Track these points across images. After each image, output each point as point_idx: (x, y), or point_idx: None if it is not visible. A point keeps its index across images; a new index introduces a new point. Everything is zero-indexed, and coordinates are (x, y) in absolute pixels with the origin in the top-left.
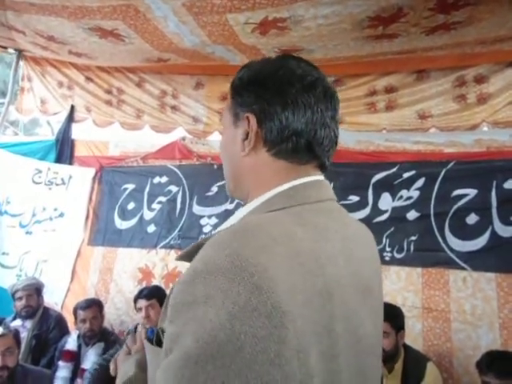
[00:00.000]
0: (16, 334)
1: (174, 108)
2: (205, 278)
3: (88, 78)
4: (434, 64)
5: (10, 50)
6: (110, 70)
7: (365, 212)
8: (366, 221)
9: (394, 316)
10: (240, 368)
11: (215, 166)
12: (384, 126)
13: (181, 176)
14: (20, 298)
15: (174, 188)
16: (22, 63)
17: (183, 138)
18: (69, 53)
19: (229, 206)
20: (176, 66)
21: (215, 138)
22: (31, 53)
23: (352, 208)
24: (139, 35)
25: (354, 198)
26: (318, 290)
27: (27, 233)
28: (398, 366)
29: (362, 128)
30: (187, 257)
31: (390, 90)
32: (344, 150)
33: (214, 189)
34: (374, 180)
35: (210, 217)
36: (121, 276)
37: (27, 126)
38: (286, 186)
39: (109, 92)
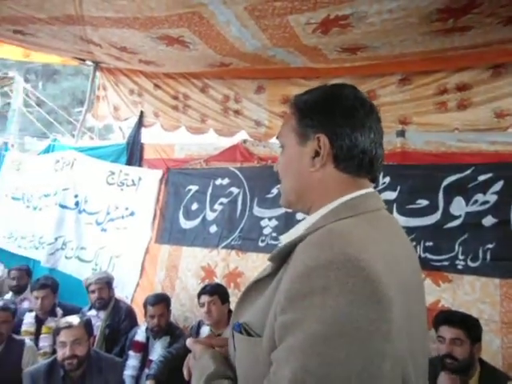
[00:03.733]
0: (87, 324)
1: (236, 112)
2: (320, 272)
3: (156, 85)
4: None
5: (88, 63)
6: (176, 76)
7: (435, 217)
8: (436, 226)
9: (469, 325)
10: (359, 344)
11: (275, 169)
12: (456, 125)
13: (242, 178)
14: (93, 291)
15: (235, 190)
16: (98, 74)
17: (244, 141)
18: (139, 61)
19: (289, 209)
20: (238, 71)
21: (276, 140)
22: (106, 64)
23: (420, 213)
24: (203, 41)
25: (423, 202)
26: (399, 283)
27: (102, 230)
28: (474, 381)
29: (431, 128)
30: (278, 258)
31: (462, 87)
32: (412, 152)
33: (274, 191)
34: (445, 183)
35: (270, 219)
36: (185, 274)
37: (102, 131)
38: (349, 196)
39: (175, 98)
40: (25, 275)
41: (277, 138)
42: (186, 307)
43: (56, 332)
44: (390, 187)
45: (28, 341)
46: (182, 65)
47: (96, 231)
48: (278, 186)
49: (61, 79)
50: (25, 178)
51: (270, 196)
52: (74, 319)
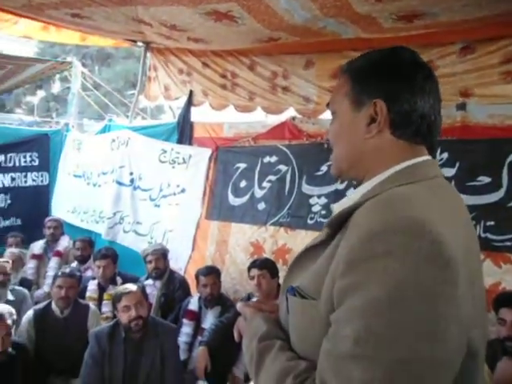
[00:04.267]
0: (143, 290)
1: (284, 89)
2: (382, 236)
3: (204, 64)
4: None
5: (139, 44)
6: (224, 54)
7: (497, 195)
8: (499, 205)
9: None
10: (425, 307)
11: (325, 146)
12: None
13: (290, 155)
14: (150, 261)
15: (283, 167)
16: (148, 55)
17: (293, 118)
18: (187, 39)
19: (339, 186)
20: (286, 46)
21: (326, 116)
22: (156, 44)
23: (481, 190)
24: (251, 15)
25: (485, 179)
26: (464, 248)
27: (156, 205)
28: None
29: (495, 100)
30: (335, 224)
31: None
32: (473, 126)
33: (324, 168)
34: (510, 159)
35: (319, 196)
36: (234, 249)
37: (153, 111)
38: (406, 163)
39: (223, 76)
40: (88, 246)
41: (327, 106)
42: (236, 280)
43: (117, 298)
44: (448, 163)
45: (92, 305)
46: (230, 41)
47: (150, 207)
48: (328, 163)
49: (114, 63)
50: (84, 157)
51: (319, 173)
52: (132, 286)
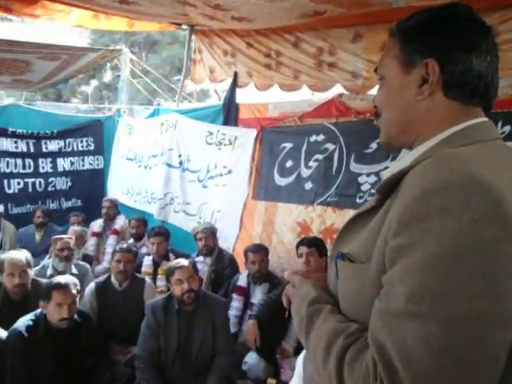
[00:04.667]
0: (194, 265)
1: (331, 65)
2: (438, 193)
3: (249, 44)
4: None
5: (184, 27)
6: (268, 33)
7: None
8: None
9: None
10: (483, 265)
11: (375, 122)
12: None
13: (337, 134)
14: (200, 239)
15: (330, 146)
16: (193, 38)
17: (340, 95)
18: (231, 19)
19: (389, 164)
20: (332, 19)
21: (375, 92)
22: (201, 26)
23: None
24: None
25: None
26: None
27: (203, 187)
28: None
29: None
30: (386, 188)
31: None
32: None
33: (373, 146)
34: None
35: (368, 175)
36: (281, 228)
37: (199, 96)
38: (461, 125)
39: (268, 55)
40: (142, 225)
41: (375, 71)
42: (284, 260)
43: (170, 272)
44: (510, 137)
45: (148, 279)
46: (274, 18)
47: (198, 188)
48: (378, 140)
49: (160, 49)
50: (135, 141)
51: (368, 151)
52: (184, 261)
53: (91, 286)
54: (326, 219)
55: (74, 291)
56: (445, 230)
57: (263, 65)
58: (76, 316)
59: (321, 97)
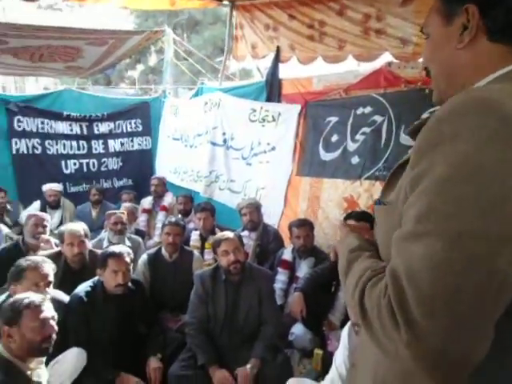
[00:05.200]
0: (240, 237)
1: (378, 32)
2: (449, 118)
3: (291, 16)
4: None
5: (225, 2)
6: (311, 2)
7: None
8: None
9: None
10: (490, 186)
11: (426, 91)
12: None
13: (386, 105)
14: (245, 214)
15: (378, 118)
16: (234, 13)
17: (389, 64)
18: None
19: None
20: None
21: None
22: (241, 0)
23: None
24: None
25: None
26: None
27: (247, 164)
28: None
29: None
30: (417, 130)
31: None
32: None
33: (425, 116)
34: None
35: None
36: (327, 204)
37: (242, 75)
38: (506, 69)
39: (311, 26)
40: (189, 201)
41: (421, 31)
42: (330, 236)
43: (217, 244)
44: None
45: (196, 252)
46: None
47: (242, 165)
48: (431, 109)
49: (202, 29)
50: (181, 120)
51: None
52: (229, 233)
53: (143, 257)
54: (374, 194)
55: (127, 259)
56: (454, 153)
57: (306, 37)
58: (130, 284)
59: (367, 67)
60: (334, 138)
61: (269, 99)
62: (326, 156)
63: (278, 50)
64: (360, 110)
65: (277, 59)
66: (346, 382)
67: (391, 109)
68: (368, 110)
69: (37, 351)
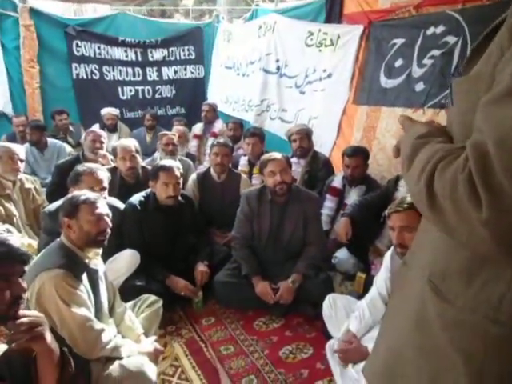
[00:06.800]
0: (287, 159)
1: None
2: None
3: None
4: None
5: None
6: None
7: None
8: None
9: None
10: None
11: None
12: None
13: (463, 23)
14: (294, 140)
15: (451, 39)
16: None
17: None
18: None
19: None
20: None
21: None
22: None
23: None
24: None
25: None
26: None
27: (301, 92)
28: None
29: None
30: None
31: None
32: None
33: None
34: None
35: None
36: (384, 135)
37: None
38: None
39: None
40: (239, 127)
41: None
42: (384, 167)
43: (264, 164)
44: None
45: (243, 175)
46: None
47: (295, 94)
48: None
49: None
50: (234, 48)
51: None
52: (277, 154)
53: (193, 176)
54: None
55: (177, 173)
56: None
57: None
58: (180, 198)
59: None
60: (398, 62)
61: (328, 20)
62: (387, 83)
63: None
64: (431, 30)
65: None
66: (395, 281)
67: (468, 28)
68: (440, 29)
69: (93, 242)
